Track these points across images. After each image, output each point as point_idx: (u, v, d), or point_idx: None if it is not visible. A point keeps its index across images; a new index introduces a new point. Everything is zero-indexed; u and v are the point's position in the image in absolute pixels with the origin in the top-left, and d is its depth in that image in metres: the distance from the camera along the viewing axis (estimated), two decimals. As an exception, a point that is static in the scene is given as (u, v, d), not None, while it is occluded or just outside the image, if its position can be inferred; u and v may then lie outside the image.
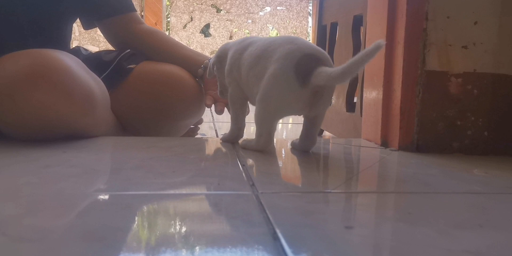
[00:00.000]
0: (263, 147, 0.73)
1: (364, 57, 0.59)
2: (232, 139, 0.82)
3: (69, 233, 0.38)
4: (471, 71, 0.79)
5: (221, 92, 0.85)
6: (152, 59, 1.05)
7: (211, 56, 1.00)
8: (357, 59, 0.59)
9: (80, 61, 0.86)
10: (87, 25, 1.09)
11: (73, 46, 1.11)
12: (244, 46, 0.77)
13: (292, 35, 3.25)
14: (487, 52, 0.79)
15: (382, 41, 0.58)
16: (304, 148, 0.76)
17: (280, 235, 0.37)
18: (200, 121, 1.17)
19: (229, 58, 0.79)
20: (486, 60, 0.79)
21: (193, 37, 3.20)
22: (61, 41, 1.02)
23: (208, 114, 1.84)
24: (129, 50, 1.04)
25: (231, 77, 0.78)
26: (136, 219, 0.43)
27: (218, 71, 0.82)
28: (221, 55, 0.81)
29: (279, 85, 0.67)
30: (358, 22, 1.20)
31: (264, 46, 0.72)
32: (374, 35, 0.88)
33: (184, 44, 3.06)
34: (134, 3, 3.23)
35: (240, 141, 0.79)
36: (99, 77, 0.91)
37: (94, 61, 1.01)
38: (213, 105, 0.99)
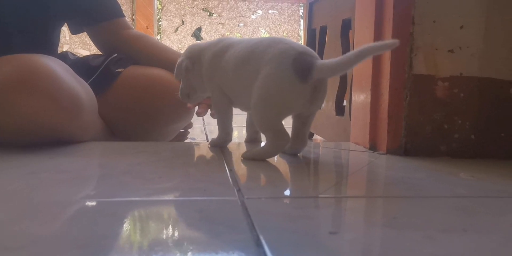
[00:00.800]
0: (281, 146, 0.71)
1: (371, 49, 0.61)
2: (220, 143, 0.82)
3: (56, 241, 0.38)
4: (457, 75, 0.80)
5: (187, 94, 0.83)
6: (140, 63, 1.05)
7: None
8: (371, 46, 0.61)
9: (67, 66, 0.86)
10: (74, 30, 1.09)
11: (63, 50, 1.11)
12: (222, 48, 0.76)
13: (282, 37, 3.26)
14: (473, 55, 0.80)
15: (398, 42, 0.59)
16: (294, 151, 0.76)
17: (263, 241, 0.37)
18: (190, 125, 1.17)
19: (207, 62, 0.78)
20: (472, 64, 0.80)
21: (185, 41, 3.19)
22: (48, 45, 1.01)
23: (199, 118, 1.83)
24: (116, 54, 1.04)
25: (213, 83, 0.78)
26: (122, 226, 0.42)
27: (187, 73, 0.81)
28: (192, 56, 0.80)
29: (279, 83, 0.67)
30: (347, 26, 1.20)
31: (250, 48, 0.72)
32: (362, 39, 0.89)
33: (175, 48, 3.05)
34: (125, 7, 3.19)
35: (243, 155, 0.74)
36: (87, 81, 0.91)
37: (82, 66, 1.01)
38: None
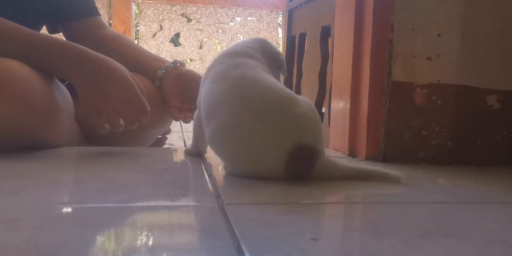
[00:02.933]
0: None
1: (381, 174, 0.63)
2: (194, 153, 0.79)
3: (24, 249, 0.36)
4: (435, 82, 0.81)
5: None
6: None
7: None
8: (377, 171, 0.63)
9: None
10: (52, 29, 1.06)
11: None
12: (207, 79, 0.68)
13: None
14: (451, 63, 0.81)
15: (403, 177, 0.62)
16: None
17: (244, 248, 0.36)
18: (168, 131, 1.15)
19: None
20: (449, 71, 0.81)
21: (163, 46, 3.17)
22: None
23: (177, 124, 1.81)
24: None
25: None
26: (94, 233, 0.41)
27: None
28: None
29: (262, 171, 0.60)
30: (326, 33, 1.21)
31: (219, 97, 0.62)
32: (342, 45, 0.89)
33: (153, 53, 3.01)
34: (102, 11, 3.14)
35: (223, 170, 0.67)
36: (63, 84, 0.89)
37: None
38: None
